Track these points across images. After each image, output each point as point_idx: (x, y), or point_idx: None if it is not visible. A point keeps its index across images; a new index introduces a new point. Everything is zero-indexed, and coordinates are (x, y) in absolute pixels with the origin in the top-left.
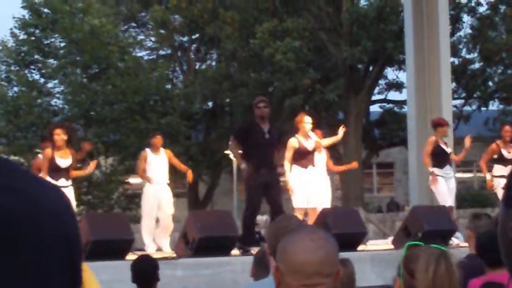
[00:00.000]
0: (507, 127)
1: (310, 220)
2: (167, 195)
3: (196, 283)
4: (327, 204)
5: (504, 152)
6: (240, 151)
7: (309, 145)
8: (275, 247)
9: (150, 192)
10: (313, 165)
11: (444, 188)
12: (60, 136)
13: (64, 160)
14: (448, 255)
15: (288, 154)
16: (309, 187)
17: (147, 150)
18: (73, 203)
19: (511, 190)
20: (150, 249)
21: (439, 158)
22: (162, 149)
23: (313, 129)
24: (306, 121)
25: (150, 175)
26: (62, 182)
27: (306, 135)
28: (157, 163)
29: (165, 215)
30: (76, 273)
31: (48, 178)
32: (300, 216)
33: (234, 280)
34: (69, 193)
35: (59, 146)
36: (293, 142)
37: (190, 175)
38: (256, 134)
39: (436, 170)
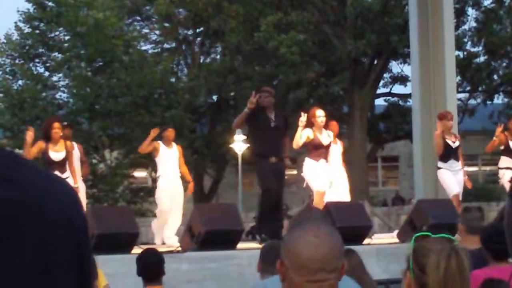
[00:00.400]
0: None
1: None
2: (179, 189)
3: (201, 276)
4: (347, 196)
5: (511, 143)
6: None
7: (324, 139)
8: None
9: (163, 186)
10: (326, 160)
11: (450, 176)
12: (59, 130)
13: (57, 153)
14: (458, 250)
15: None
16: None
17: (160, 142)
18: None
19: None
20: (158, 243)
21: (444, 152)
22: (174, 144)
23: (326, 121)
24: (319, 114)
25: (162, 169)
26: None
27: (321, 128)
28: (169, 156)
29: (175, 210)
30: (83, 263)
31: None
32: (319, 199)
33: (239, 274)
34: None
35: (56, 140)
36: (308, 132)
37: (191, 187)
38: (264, 121)
39: (440, 164)
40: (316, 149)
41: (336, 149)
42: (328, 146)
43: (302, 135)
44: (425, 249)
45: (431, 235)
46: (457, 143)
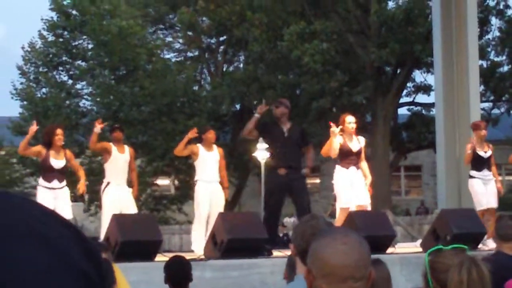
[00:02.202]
0: None
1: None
2: (220, 195)
3: (224, 285)
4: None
5: None
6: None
7: (353, 145)
8: (302, 247)
9: (202, 191)
10: (357, 167)
11: (480, 189)
12: (62, 137)
13: (58, 161)
14: (477, 261)
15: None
16: (353, 188)
17: (199, 145)
18: (68, 205)
19: None
20: (197, 250)
21: (476, 162)
22: (215, 146)
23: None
24: (349, 120)
25: (202, 173)
26: (54, 183)
27: (351, 135)
28: (209, 159)
29: (215, 217)
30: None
31: (41, 180)
32: (342, 217)
33: (262, 282)
34: (63, 195)
35: (58, 147)
36: (337, 140)
37: (226, 194)
38: (276, 132)
39: (473, 173)
40: (346, 156)
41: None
42: (359, 152)
43: (335, 143)
44: (443, 264)
45: (443, 247)
46: (489, 153)
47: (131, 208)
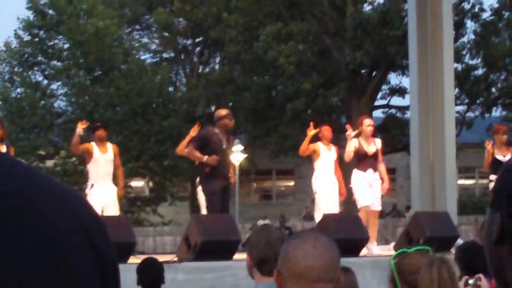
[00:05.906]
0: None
1: (372, 223)
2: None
3: (197, 287)
4: (336, 206)
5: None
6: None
7: (369, 148)
8: (258, 256)
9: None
10: (374, 169)
11: None
12: None
13: None
14: (445, 259)
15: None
16: (369, 189)
17: None
18: None
19: (497, 195)
20: None
21: (495, 166)
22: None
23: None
24: (367, 123)
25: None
26: None
27: (368, 137)
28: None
29: None
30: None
31: None
32: (365, 216)
33: (235, 285)
34: None
35: None
36: (354, 142)
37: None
38: (215, 143)
39: (492, 177)
40: (363, 159)
41: (330, 156)
42: (375, 155)
43: (349, 146)
44: (411, 266)
45: (407, 250)
46: (508, 156)
47: (112, 208)
